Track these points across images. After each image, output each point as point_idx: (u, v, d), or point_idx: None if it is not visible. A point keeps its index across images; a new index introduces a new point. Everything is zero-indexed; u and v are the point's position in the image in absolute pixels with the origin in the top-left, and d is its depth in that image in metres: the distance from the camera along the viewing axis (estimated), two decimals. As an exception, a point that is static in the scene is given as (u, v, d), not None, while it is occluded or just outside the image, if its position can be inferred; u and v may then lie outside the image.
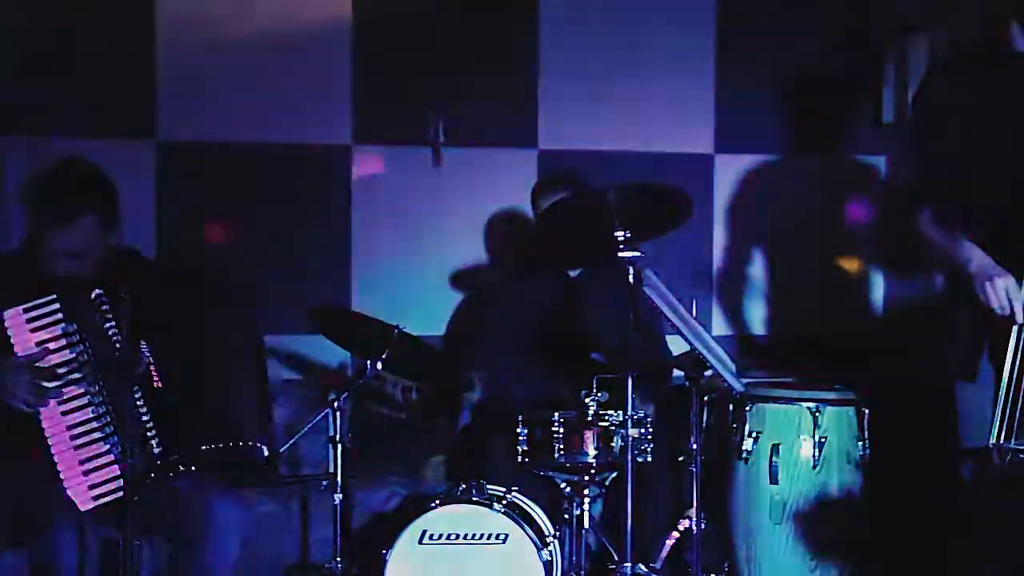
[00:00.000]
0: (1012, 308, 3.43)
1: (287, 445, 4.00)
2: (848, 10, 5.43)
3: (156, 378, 3.55)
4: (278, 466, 3.74)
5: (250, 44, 5.06)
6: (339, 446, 3.92)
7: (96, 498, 3.44)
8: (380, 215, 5.20)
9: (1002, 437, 3.37)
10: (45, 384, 3.42)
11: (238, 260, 4.97)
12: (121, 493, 3.38)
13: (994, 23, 3.63)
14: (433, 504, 3.91)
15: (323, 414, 4.00)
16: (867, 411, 4.27)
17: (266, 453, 3.62)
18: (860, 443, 4.26)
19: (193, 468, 3.60)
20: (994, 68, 3.68)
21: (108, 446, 3.48)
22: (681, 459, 4.10)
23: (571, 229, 3.98)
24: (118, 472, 3.45)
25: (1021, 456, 3.33)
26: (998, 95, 3.64)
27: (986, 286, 3.48)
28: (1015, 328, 3.43)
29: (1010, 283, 3.45)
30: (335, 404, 3.94)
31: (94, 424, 3.49)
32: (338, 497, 3.91)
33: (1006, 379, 3.39)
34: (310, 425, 4.08)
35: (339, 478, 3.91)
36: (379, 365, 3.98)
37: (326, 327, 4.23)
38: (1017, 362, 3.39)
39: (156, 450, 3.52)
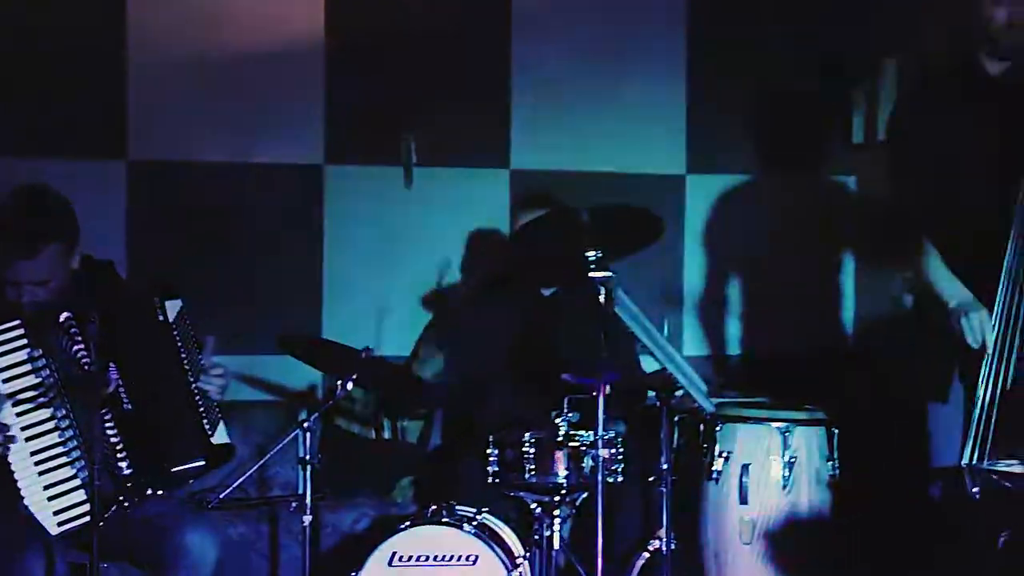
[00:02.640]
0: (984, 342, 3.45)
1: (256, 466, 3.99)
2: (819, 33, 5.45)
3: (125, 400, 3.54)
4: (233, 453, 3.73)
5: (221, 63, 5.04)
6: (309, 467, 3.90)
7: (62, 524, 3.42)
8: (352, 235, 5.19)
9: (974, 457, 3.39)
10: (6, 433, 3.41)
11: (210, 280, 4.95)
12: (88, 518, 3.36)
13: (961, 49, 3.64)
14: (403, 525, 3.90)
15: (293, 435, 3.99)
16: (836, 431, 4.28)
17: (200, 464, 3.60)
18: (830, 463, 4.27)
19: (160, 492, 3.59)
20: (965, 94, 3.69)
21: (74, 471, 3.46)
22: (652, 479, 4.10)
23: (545, 248, 3.99)
24: (84, 496, 3.43)
25: (994, 476, 3.35)
26: (969, 121, 3.65)
27: (961, 321, 3.50)
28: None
29: (984, 317, 3.48)
30: (305, 425, 3.92)
31: (60, 449, 3.47)
32: (307, 518, 3.89)
33: (979, 401, 3.42)
34: (279, 446, 4.06)
35: (308, 499, 3.89)
36: (349, 386, 3.97)
37: (295, 351, 4.23)
38: (989, 386, 3.41)
39: (126, 472, 3.51)
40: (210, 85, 5.03)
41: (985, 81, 3.65)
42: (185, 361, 3.63)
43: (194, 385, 3.63)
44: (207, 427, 3.63)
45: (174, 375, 3.62)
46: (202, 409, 3.63)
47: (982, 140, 3.63)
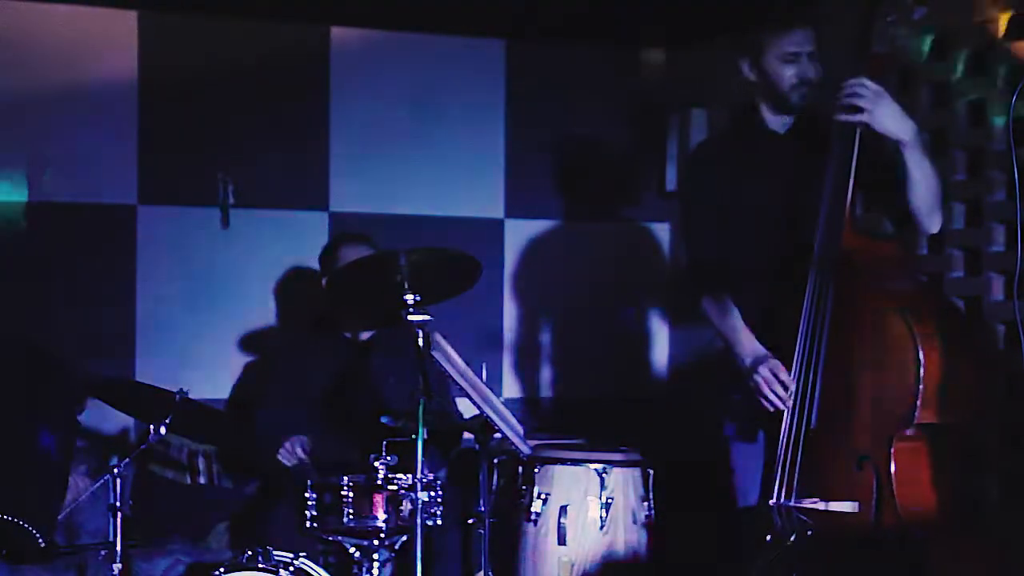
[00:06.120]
0: (781, 397, 3.55)
1: (63, 513, 3.88)
2: (633, 84, 5.59)
3: None
4: (55, 549, 3.67)
5: (32, 99, 4.92)
6: (119, 514, 3.80)
7: None
8: (167, 276, 5.10)
9: (781, 496, 3.49)
10: None
11: (20, 322, 4.80)
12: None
13: (746, 101, 3.74)
14: (217, 572, 3.83)
15: (103, 481, 3.89)
16: (652, 472, 4.36)
17: (42, 544, 3.54)
18: (646, 503, 4.34)
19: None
20: (749, 147, 3.80)
21: None
22: (471, 521, 4.11)
23: (362, 291, 3.98)
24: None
25: (800, 515, 3.45)
26: (756, 175, 3.77)
27: (757, 379, 3.59)
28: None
29: (779, 370, 3.57)
30: (116, 470, 3.83)
31: None
32: (117, 567, 3.78)
33: (783, 440, 3.52)
34: (89, 492, 3.96)
35: (118, 547, 3.79)
36: (163, 430, 3.90)
37: (106, 395, 4.13)
38: (793, 425, 3.51)
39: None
40: (20, 121, 4.90)
41: (768, 136, 3.77)
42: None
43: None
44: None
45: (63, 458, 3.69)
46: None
47: (771, 193, 3.74)
